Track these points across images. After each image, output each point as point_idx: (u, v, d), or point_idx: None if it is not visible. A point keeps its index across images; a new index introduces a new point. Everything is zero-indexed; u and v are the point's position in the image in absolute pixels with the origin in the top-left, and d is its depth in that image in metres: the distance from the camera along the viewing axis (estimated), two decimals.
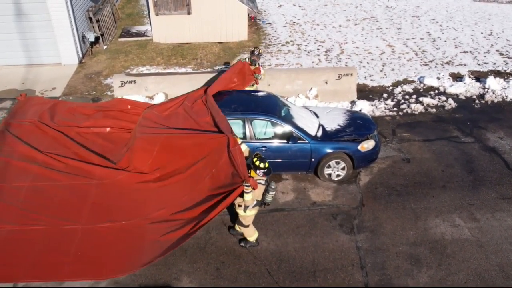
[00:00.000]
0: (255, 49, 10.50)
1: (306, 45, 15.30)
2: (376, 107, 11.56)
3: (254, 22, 17.28)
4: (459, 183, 9.08)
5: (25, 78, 13.05)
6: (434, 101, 11.84)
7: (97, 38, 14.66)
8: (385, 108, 11.58)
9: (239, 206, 7.05)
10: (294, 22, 17.45)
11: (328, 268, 7.22)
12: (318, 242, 7.72)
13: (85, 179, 7.61)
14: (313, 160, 8.71)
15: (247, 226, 7.30)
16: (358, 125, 9.23)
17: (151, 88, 11.36)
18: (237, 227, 7.70)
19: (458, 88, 12.37)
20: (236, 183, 6.62)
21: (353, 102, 11.60)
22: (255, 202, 6.91)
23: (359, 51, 14.84)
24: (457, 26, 17.14)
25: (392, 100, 11.95)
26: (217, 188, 6.89)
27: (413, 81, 12.96)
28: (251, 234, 7.46)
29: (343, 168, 8.86)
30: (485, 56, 14.59)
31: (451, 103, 11.80)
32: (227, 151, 7.09)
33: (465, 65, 14.01)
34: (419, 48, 15.12)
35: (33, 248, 6.44)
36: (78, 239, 6.64)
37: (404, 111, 11.53)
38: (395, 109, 11.61)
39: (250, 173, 6.73)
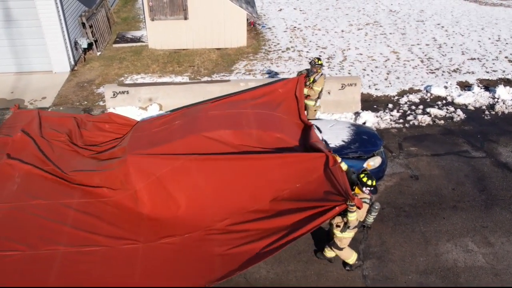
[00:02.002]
0: (314, 60, 9.34)
1: (307, 52, 14.74)
2: (381, 118, 11.00)
3: (253, 27, 16.73)
4: (470, 202, 8.52)
5: (14, 86, 12.50)
6: (442, 112, 11.28)
7: (90, 44, 14.12)
8: (391, 120, 11.02)
9: (337, 226, 6.56)
10: (295, 27, 16.90)
11: None
12: (321, 270, 7.17)
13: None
14: None
15: (342, 249, 6.81)
16: (363, 141, 8.67)
17: (145, 99, 10.80)
18: (327, 251, 7.15)
19: (466, 98, 11.82)
20: (335, 200, 6.16)
21: (357, 114, 11.05)
22: (357, 222, 6.44)
23: (362, 58, 14.29)
24: (464, 31, 16.59)
25: (398, 111, 11.39)
26: (302, 203, 6.45)
27: (419, 90, 12.40)
28: (349, 256, 6.97)
29: None
30: (493, 64, 14.03)
31: (459, 114, 11.24)
32: (325, 169, 6.73)
33: (473, 73, 13.45)
34: (425, 55, 14.57)
35: (93, 273, 5.87)
36: (140, 259, 6.10)
37: (411, 123, 10.97)
38: (401, 120, 11.05)
39: (354, 190, 6.34)
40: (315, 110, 9.73)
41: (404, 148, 10.05)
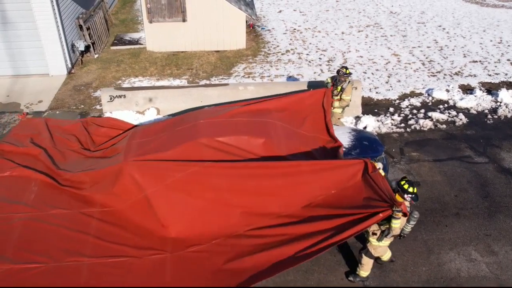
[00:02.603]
0: (341, 69, 9.11)
1: (307, 54, 14.58)
2: (383, 123, 10.83)
3: (253, 29, 16.56)
4: (473, 210, 8.35)
5: (11, 90, 12.34)
6: (444, 116, 11.11)
7: (87, 47, 13.95)
8: (392, 124, 10.85)
9: (373, 234, 6.41)
10: (295, 29, 16.73)
11: None
12: (321, 279, 7.00)
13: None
14: None
15: (373, 258, 6.66)
16: (364, 147, 8.48)
17: (142, 103, 10.63)
18: (358, 267, 6.92)
19: (468, 102, 11.65)
20: (378, 207, 6.01)
21: (357, 118, 10.89)
22: (399, 231, 6.30)
23: (363, 61, 14.12)
24: (465, 34, 16.42)
25: (399, 115, 11.22)
26: (340, 209, 6.33)
27: (421, 94, 12.24)
28: (368, 270, 6.81)
29: None
30: (495, 66, 13.86)
31: (462, 118, 11.07)
32: (363, 176, 6.65)
33: (475, 76, 13.28)
34: (426, 58, 14.40)
35: (123, 285, 5.69)
36: (169, 269, 5.92)
37: (412, 127, 10.80)
38: (402, 125, 10.88)
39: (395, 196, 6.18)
40: (339, 118, 9.59)
41: (405, 153, 9.88)
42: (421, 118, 11.09)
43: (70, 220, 6.58)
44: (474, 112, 11.44)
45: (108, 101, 10.51)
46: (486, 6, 19.73)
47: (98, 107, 11.48)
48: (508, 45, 15.41)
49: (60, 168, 7.54)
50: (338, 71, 9.19)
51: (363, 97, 11.60)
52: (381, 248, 6.57)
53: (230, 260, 6.01)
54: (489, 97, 11.96)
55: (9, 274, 5.73)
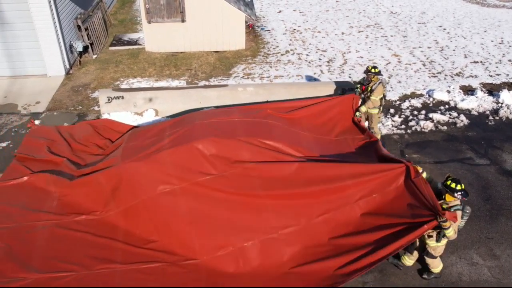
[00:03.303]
0: (369, 68, 9.06)
1: (307, 55, 14.48)
2: (383, 124, 10.72)
3: (252, 29, 16.46)
4: (475, 212, 8.24)
5: (8, 91, 12.24)
6: (445, 118, 11.01)
7: (85, 47, 13.85)
8: (393, 126, 10.76)
9: (429, 236, 6.36)
10: (295, 29, 16.63)
11: None
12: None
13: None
14: None
15: (436, 257, 6.62)
16: None
17: (140, 104, 10.53)
18: (406, 258, 6.92)
19: (470, 103, 11.55)
20: (423, 216, 6.01)
21: None
22: (456, 234, 6.29)
23: (363, 61, 14.02)
24: (466, 34, 16.32)
25: (399, 117, 11.12)
26: (385, 218, 6.33)
27: (421, 95, 12.14)
28: (437, 265, 6.80)
29: None
30: (497, 67, 13.76)
31: (463, 120, 10.98)
32: (405, 181, 6.59)
33: (476, 76, 13.19)
34: (427, 58, 14.30)
35: None
36: (205, 277, 5.81)
37: (413, 128, 10.71)
38: (403, 126, 10.78)
39: (444, 199, 6.14)
40: (378, 117, 9.51)
41: (406, 155, 9.77)
42: (422, 119, 10.99)
43: (95, 226, 6.44)
44: (475, 113, 11.34)
45: (106, 102, 10.42)
46: (487, 6, 19.63)
47: (96, 108, 11.38)
48: (509, 46, 15.31)
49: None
50: (366, 70, 9.09)
51: None
52: (440, 247, 6.54)
53: (267, 265, 5.96)
54: (491, 98, 11.86)
55: (39, 283, 5.60)
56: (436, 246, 6.47)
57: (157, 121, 10.04)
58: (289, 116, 8.54)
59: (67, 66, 13.10)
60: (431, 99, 11.89)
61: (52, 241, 6.23)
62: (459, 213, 6.12)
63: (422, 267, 7.05)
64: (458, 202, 6.14)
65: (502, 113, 11.24)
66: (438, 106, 11.62)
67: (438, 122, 10.92)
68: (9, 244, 6.13)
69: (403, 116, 11.20)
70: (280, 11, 18.68)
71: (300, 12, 18.56)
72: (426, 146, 10.08)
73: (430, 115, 11.11)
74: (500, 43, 15.53)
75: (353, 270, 5.77)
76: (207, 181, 6.72)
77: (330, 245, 6.26)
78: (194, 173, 6.79)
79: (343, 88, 10.77)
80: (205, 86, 11.13)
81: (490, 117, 11.17)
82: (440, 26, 17.05)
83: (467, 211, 6.31)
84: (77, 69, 13.44)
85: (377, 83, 8.99)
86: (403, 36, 16.03)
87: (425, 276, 6.94)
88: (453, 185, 6.07)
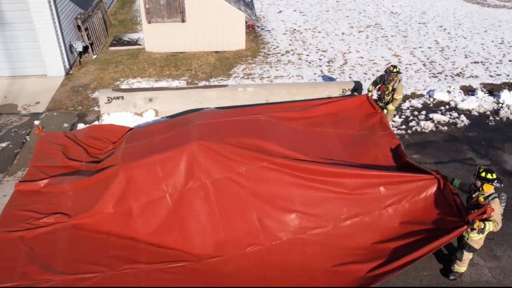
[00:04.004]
0: (389, 68, 9.16)
1: (307, 55, 14.46)
2: None
3: (252, 29, 16.44)
4: None
5: (8, 91, 12.23)
6: (445, 118, 11.00)
7: (85, 48, 13.83)
8: (393, 126, 10.73)
9: (472, 229, 6.36)
10: (295, 30, 16.61)
11: None
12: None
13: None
14: None
15: (475, 251, 6.71)
16: None
17: (140, 105, 10.51)
18: (457, 266, 6.90)
19: (470, 103, 11.53)
20: (451, 222, 6.24)
21: None
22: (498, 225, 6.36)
23: (363, 62, 14.01)
24: (466, 34, 16.30)
25: (400, 117, 11.11)
26: (415, 225, 6.49)
27: (422, 95, 12.12)
28: (466, 265, 6.88)
29: None
30: (497, 67, 13.74)
31: (463, 120, 10.96)
32: (435, 192, 6.74)
33: (476, 77, 13.17)
34: (427, 58, 14.28)
35: None
36: (230, 272, 5.86)
37: (413, 129, 10.69)
38: (403, 126, 10.77)
39: (482, 189, 6.31)
40: (394, 115, 9.69)
41: (406, 155, 9.74)
42: (422, 119, 10.97)
43: (116, 225, 6.37)
44: (476, 113, 11.33)
45: (105, 103, 10.39)
46: (487, 7, 19.60)
47: (96, 108, 11.37)
48: (510, 46, 15.29)
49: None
50: (386, 70, 9.20)
51: None
52: (481, 239, 6.58)
53: (294, 264, 6.01)
54: (491, 98, 11.84)
55: (66, 284, 5.58)
56: (478, 239, 6.52)
57: (157, 121, 10.01)
58: (309, 114, 8.54)
59: (67, 66, 13.08)
60: (431, 100, 11.87)
61: (74, 243, 6.19)
62: (496, 200, 6.21)
63: (445, 269, 7.06)
64: (493, 190, 6.27)
65: (502, 113, 11.22)
66: (438, 106, 11.60)
67: (439, 122, 10.90)
68: (31, 247, 6.11)
69: (403, 116, 11.18)
70: (280, 11, 18.66)
71: (300, 12, 18.54)
72: (426, 147, 10.07)
73: (431, 115, 11.09)
74: (500, 43, 15.51)
75: (382, 272, 5.87)
76: (235, 176, 6.61)
77: (359, 249, 6.30)
78: (225, 168, 6.67)
79: (343, 88, 10.74)
80: (205, 87, 11.11)
81: (491, 118, 11.15)
82: (441, 26, 17.03)
83: (503, 198, 6.42)
84: (77, 69, 13.43)
85: (398, 81, 9.22)
86: (404, 36, 16.01)
87: (452, 277, 6.95)
88: (489, 175, 6.23)
